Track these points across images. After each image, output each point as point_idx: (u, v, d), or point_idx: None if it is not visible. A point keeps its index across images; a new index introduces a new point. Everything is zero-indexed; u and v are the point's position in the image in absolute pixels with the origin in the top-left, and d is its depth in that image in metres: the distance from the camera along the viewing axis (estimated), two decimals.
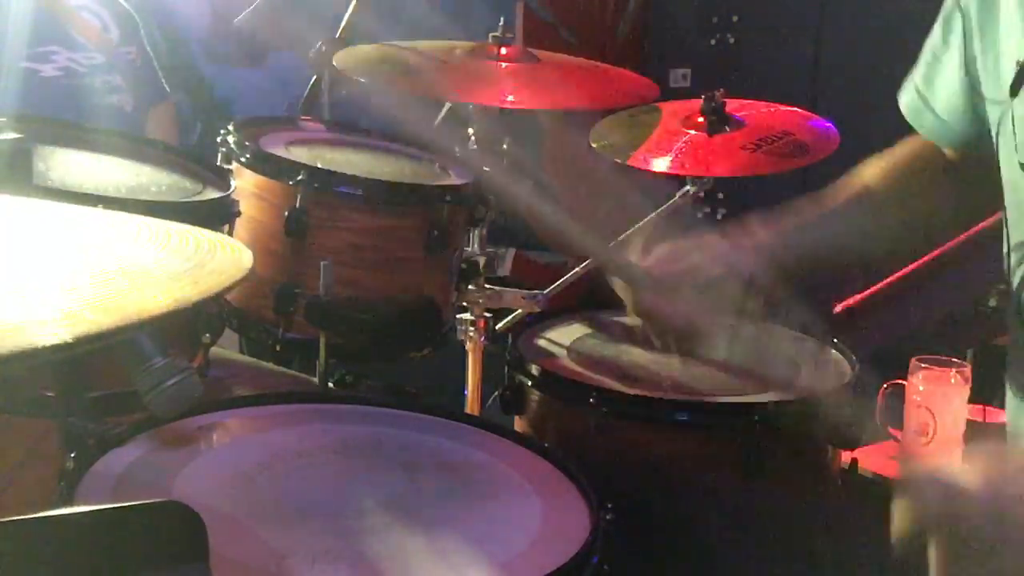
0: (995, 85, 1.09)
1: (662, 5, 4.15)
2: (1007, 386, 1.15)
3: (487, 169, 1.94)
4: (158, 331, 1.08)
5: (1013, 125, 1.07)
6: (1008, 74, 1.07)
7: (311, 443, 1.29)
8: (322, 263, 1.61)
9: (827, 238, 1.31)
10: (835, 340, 1.75)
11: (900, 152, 1.34)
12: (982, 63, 1.12)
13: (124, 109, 2.75)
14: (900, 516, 0.79)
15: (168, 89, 2.93)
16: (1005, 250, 1.14)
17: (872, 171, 1.35)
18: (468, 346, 1.90)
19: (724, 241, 1.28)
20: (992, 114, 1.12)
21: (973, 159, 1.21)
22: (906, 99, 1.31)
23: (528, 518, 1.16)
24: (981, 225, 2.04)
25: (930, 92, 1.26)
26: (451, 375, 1.95)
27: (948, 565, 0.73)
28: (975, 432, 1.83)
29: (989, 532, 0.72)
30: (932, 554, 0.73)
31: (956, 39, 1.19)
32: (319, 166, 1.73)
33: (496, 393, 1.70)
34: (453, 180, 1.89)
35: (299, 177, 1.67)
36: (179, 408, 1.12)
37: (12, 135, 1.14)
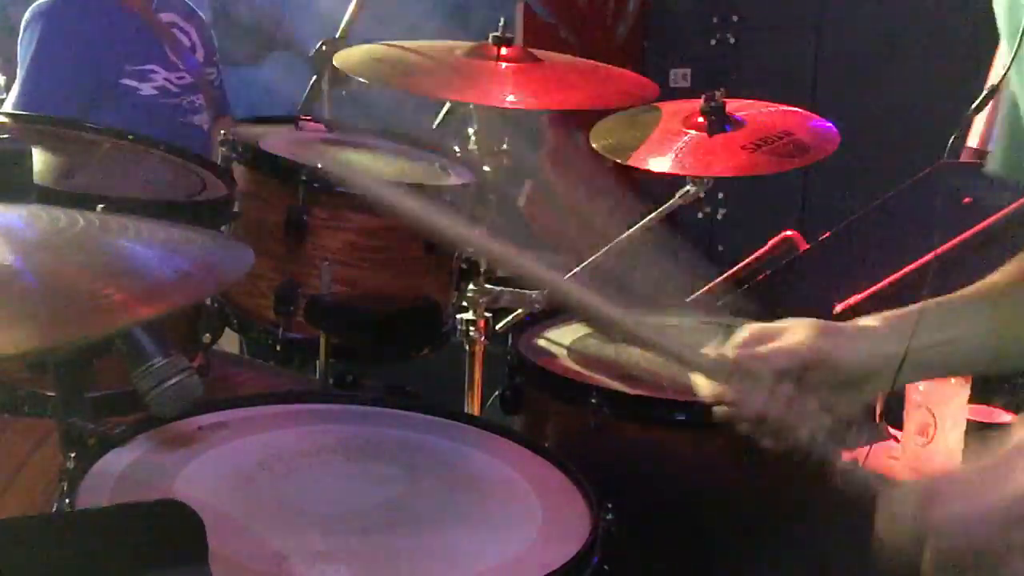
0: None
1: (662, 5, 4.15)
2: None
3: (487, 169, 1.94)
4: (158, 331, 1.09)
5: None
6: None
7: (311, 443, 1.29)
8: (322, 263, 1.61)
9: (947, 330, 1.11)
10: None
11: None
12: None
13: (203, 128, 2.77)
14: (886, 520, 0.78)
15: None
16: None
17: (1004, 275, 1.17)
18: (468, 346, 1.90)
19: (817, 322, 1.11)
20: None
21: None
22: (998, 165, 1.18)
23: (528, 518, 1.15)
24: (979, 226, 2.04)
25: None
26: (451, 375, 1.95)
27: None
28: (975, 432, 1.83)
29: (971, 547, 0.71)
30: (925, 560, 0.73)
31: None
32: (319, 166, 1.73)
33: (496, 393, 1.70)
34: (453, 180, 1.89)
35: (299, 177, 1.67)
36: (179, 408, 1.12)
37: (11, 135, 1.14)
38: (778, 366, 1.08)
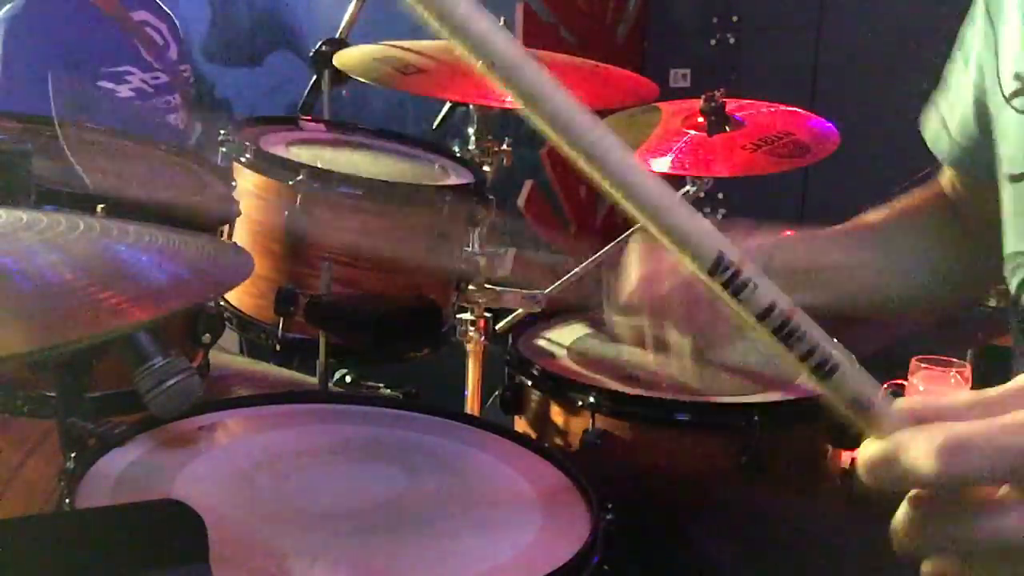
0: (994, 93, 1.08)
1: (662, 5, 4.15)
2: None
3: (487, 169, 1.95)
4: (158, 331, 1.09)
5: (1000, 135, 1.06)
6: (1006, 83, 1.06)
7: (311, 443, 1.29)
8: (322, 263, 1.61)
9: (823, 258, 1.17)
10: (835, 340, 1.75)
11: (904, 200, 1.25)
12: (988, 72, 1.10)
13: (179, 128, 2.76)
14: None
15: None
16: (1000, 258, 1.12)
17: (874, 215, 1.24)
18: (468, 346, 1.90)
19: None
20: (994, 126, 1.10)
21: (991, 196, 1.12)
22: (931, 128, 1.22)
23: (528, 518, 1.16)
24: None
25: (950, 115, 1.18)
26: (451, 375, 1.96)
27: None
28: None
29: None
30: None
31: (970, 54, 1.16)
32: (319, 166, 1.73)
33: (496, 393, 1.70)
34: (453, 180, 1.89)
35: (299, 177, 1.67)
36: (179, 408, 1.12)
37: (11, 136, 1.14)
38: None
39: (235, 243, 1.60)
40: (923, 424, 0.59)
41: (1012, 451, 0.56)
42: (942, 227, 1.23)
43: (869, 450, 0.60)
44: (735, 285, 0.59)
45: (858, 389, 0.64)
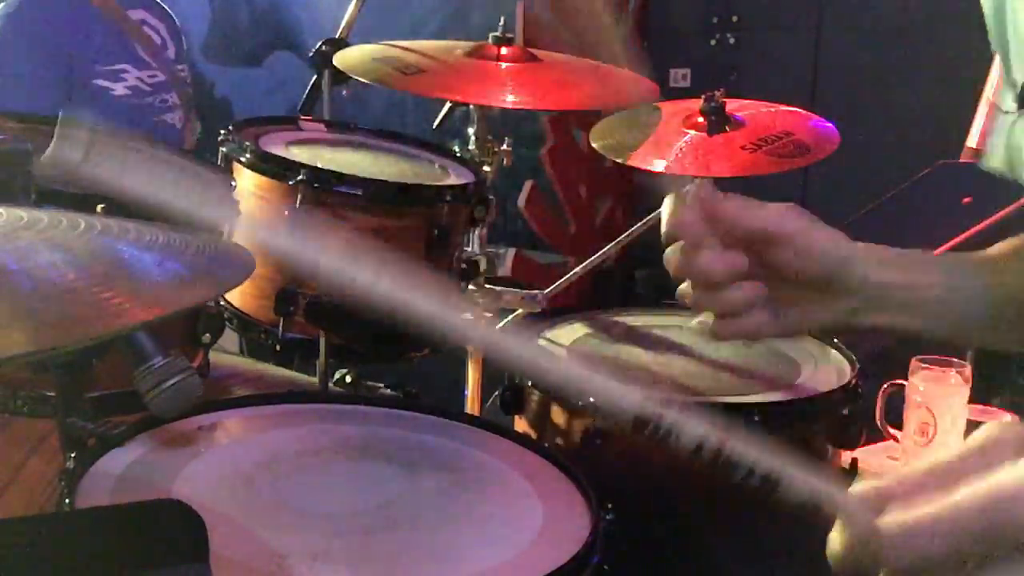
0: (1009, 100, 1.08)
1: (662, 5, 4.16)
2: None
3: (487, 169, 1.95)
4: (158, 331, 1.09)
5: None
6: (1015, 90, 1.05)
7: (311, 443, 1.29)
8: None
9: (923, 279, 1.05)
10: (835, 340, 1.75)
11: None
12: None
13: (176, 127, 2.76)
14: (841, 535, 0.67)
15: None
16: None
17: (996, 248, 1.11)
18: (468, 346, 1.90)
19: None
20: None
21: None
22: (995, 162, 1.19)
23: (528, 518, 1.15)
24: (979, 226, 2.04)
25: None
26: (451, 375, 1.96)
27: None
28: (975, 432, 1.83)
29: None
30: None
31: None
32: (319, 166, 1.73)
33: (496, 393, 1.70)
34: (453, 180, 1.89)
35: (299, 177, 1.67)
36: (179, 408, 1.12)
37: (11, 135, 1.14)
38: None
39: (235, 242, 1.60)
40: (882, 506, 0.62)
41: (964, 536, 0.60)
42: None
43: (833, 545, 0.65)
44: (661, 434, 0.65)
45: (810, 488, 0.68)
